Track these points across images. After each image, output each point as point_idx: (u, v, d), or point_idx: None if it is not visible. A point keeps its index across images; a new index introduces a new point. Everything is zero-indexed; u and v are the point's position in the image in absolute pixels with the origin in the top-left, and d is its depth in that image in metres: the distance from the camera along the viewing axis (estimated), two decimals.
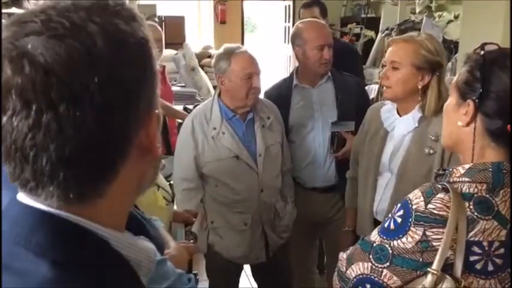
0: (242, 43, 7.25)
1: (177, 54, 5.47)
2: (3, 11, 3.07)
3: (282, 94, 2.76)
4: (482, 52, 1.21)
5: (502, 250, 1.16)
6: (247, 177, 2.40)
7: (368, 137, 2.18)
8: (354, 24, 6.97)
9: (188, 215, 1.96)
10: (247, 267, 2.81)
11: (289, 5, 7.68)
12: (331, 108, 2.66)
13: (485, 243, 1.15)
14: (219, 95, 2.46)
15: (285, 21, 7.88)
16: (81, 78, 0.55)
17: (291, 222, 2.61)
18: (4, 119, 0.55)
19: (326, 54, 2.60)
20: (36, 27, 0.56)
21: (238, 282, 2.70)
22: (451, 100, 1.30)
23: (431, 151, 1.91)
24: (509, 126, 1.15)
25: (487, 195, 1.17)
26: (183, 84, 5.42)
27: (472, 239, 1.15)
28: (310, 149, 2.70)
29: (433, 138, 1.91)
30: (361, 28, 6.77)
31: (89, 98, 0.56)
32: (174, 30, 7.14)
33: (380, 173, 2.09)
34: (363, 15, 6.95)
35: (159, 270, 1.18)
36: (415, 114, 1.97)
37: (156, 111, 0.68)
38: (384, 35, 6.05)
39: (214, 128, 2.38)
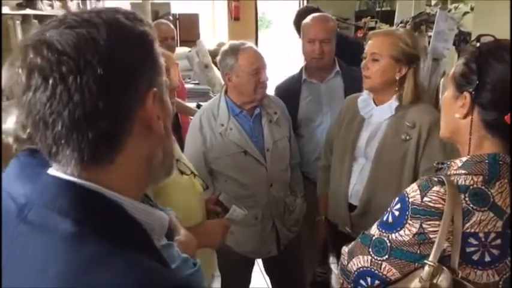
0: (256, 39, 7.26)
1: (190, 51, 5.49)
2: (18, 12, 3.13)
3: (291, 89, 2.78)
4: (477, 44, 1.20)
5: (498, 241, 1.16)
6: (255, 172, 2.42)
7: (344, 124, 2.25)
8: (369, 18, 6.89)
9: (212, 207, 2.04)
10: (259, 262, 2.83)
11: (303, 0, 7.64)
12: (340, 103, 2.65)
13: (481, 235, 1.15)
14: (226, 91, 2.48)
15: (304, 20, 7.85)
16: (86, 56, 0.69)
17: (301, 216, 2.62)
18: (30, 94, 0.70)
19: (316, 49, 2.63)
20: (54, 23, 0.73)
21: (250, 276, 2.72)
22: (448, 93, 1.30)
23: (408, 137, 2.00)
24: (507, 117, 1.14)
25: (483, 187, 1.17)
26: (197, 82, 5.44)
27: (468, 230, 1.15)
28: (319, 143, 2.70)
29: (409, 125, 2.00)
30: (376, 22, 6.70)
31: (91, 70, 0.69)
32: (188, 28, 7.18)
33: (355, 158, 2.17)
34: (378, 9, 6.89)
35: (165, 253, 1.22)
36: (392, 103, 2.07)
37: (154, 89, 0.77)
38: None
39: (222, 124, 2.40)
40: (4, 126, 1.23)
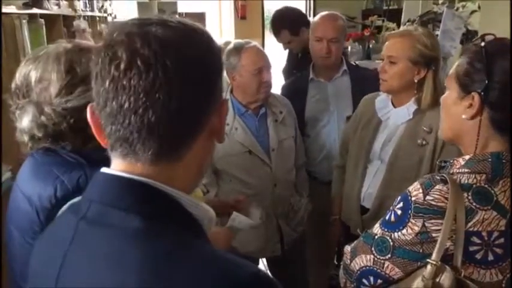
0: (263, 38, 7.26)
1: None
2: (25, 12, 3.14)
3: (298, 88, 2.78)
4: (482, 43, 1.19)
5: (502, 240, 1.15)
6: (260, 171, 2.41)
7: (360, 125, 2.21)
8: (376, 16, 6.87)
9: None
10: (263, 261, 2.83)
11: (309, 0, 7.64)
12: (347, 102, 2.67)
13: (484, 234, 1.14)
14: (231, 91, 2.48)
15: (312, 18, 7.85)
16: (187, 53, 0.74)
17: (306, 216, 2.62)
18: (124, 80, 0.71)
19: (324, 48, 2.62)
20: (154, 21, 0.76)
21: None
22: (451, 93, 1.28)
23: (424, 142, 1.95)
24: None
25: (486, 186, 1.16)
26: None
27: (471, 229, 1.14)
28: (325, 143, 2.70)
29: (426, 130, 1.94)
30: (383, 20, 6.67)
31: (190, 69, 0.73)
32: None
33: (370, 160, 2.13)
34: (385, 7, 6.87)
35: None
36: (410, 106, 2.01)
37: (226, 98, 0.85)
38: (405, 27, 5.97)
39: (227, 124, 2.39)
40: (20, 125, 1.24)
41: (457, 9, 5.48)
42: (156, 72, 0.71)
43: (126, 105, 0.72)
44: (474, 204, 1.15)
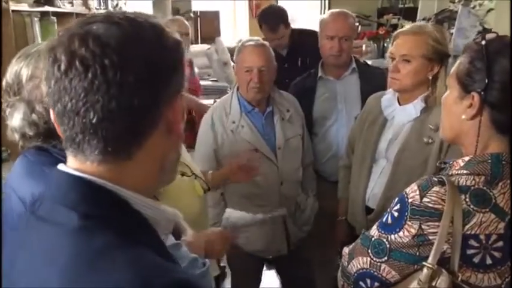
0: None
1: (209, 49, 5.49)
2: (37, 9, 3.16)
3: (307, 86, 2.76)
4: (483, 42, 1.16)
5: (500, 243, 1.12)
6: (266, 170, 2.39)
7: (366, 125, 2.18)
8: (391, 15, 6.81)
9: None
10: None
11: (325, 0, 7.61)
12: (356, 101, 2.64)
13: (482, 237, 1.11)
14: (238, 88, 2.46)
15: (321, 14, 7.81)
16: (129, 52, 0.72)
17: (313, 215, 2.60)
18: (66, 81, 0.71)
19: (335, 46, 2.59)
20: (99, 18, 0.75)
21: (261, 275, 2.70)
22: (452, 92, 1.25)
23: (430, 140, 1.91)
24: None
25: (484, 188, 1.13)
26: (216, 79, 5.45)
27: (468, 232, 1.12)
28: (333, 141, 2.68)
29: (432, 128, 1.90)
30: (399, 19, 6.61)
31: (132, 67, 0.72)
32: (209, 25, 7.20)
33: (375, 160, 2.10)
34: (401, 6, 6.79)
35: (173, 253, 1.21)
36: (417, 104, 1.97)
37: (182, 93, 0.82)
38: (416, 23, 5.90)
39: (234, 122, 2.38)
40: (11, 123, 1.24)
41: (474, 7, 5.40)
42: (94, 72, 0.70)
43: (69, 106, 0.72)
44: (472, 206, 1.12)
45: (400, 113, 2.04)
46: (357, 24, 6.73)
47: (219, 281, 3.38)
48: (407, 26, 2.12)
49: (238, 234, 1.95)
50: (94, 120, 0.72)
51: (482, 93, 1.15)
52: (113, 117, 0.72)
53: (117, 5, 5.65)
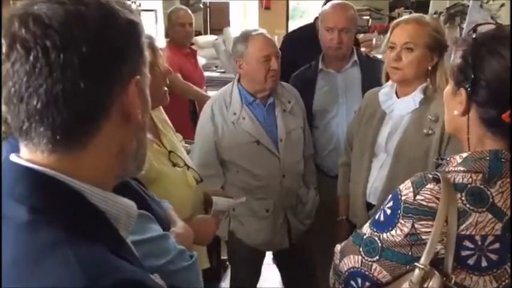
0: (287, 29, 7.19)
1: (217, 39, 5.46)
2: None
3: (307, 78, 2.71)
4: (474, 35, 1.11)
5: (496, 245, 1.07)
6: (268, 162, 2.36)
7: (364, 120, 2.14)
8: (403, 8, 6.73)
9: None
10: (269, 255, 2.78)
11: None
12: (356, 94, 2.59)
13: (477, 238, 1.07)
14: (239, 79, 2.42)
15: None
16: (72, 32, 0.67)
17: (314, 209, 2.56)
18: (8, 65, 0.67)
19: (335, 38, 2.54)
20: None
21: (261, 269, 2.67)
22: (449, 87, 1.21)
23: (430, 132, 1.88)
24: (505, 116, 1.05)
25: (482, 186, 1.08)
26: (223, 70, 5.42)
27: (463, 232, 1.07)
28: (334, 135, 2.64)
29: (432, 119, 1.88)
30: (410, 12, 6.51)
31: (76, 47, 0.67)
32: (219, 16, 7.17)
33: (375, 154, 2.06)
34: None
35: (159, 245, 1.19)
36: (416, 96, 1.94)
37: (138, 77, 0.76)
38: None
39: (234, 113, 2.34)
40: None
41: (487, 1, 5.31)
42: (35, 55, 0.66)
43: (12, 92, 0.68)
44: (467, 205, 1.07)
45: (399, 106, 2.01)
46: (368, 17, 6.69)
47: (220, 274, 3.37)
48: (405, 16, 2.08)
49: (221, 218, 1.94)
50: (38, 106, 0.67)
51: (468, 89, 1.10)
52: (58, 102, 0.67)
53: None
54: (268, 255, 2.80)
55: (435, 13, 5.95)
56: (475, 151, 1.13)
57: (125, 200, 0.78)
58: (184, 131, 3.18)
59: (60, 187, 0.70)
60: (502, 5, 5.21)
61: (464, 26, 4.50)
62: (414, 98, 1.95)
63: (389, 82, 2.08)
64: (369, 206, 2.06)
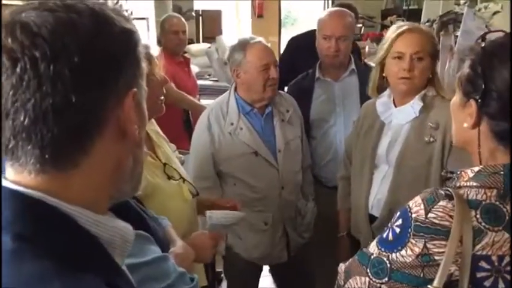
0: (279, 37, 7.18)
1: (210, 48, 5.41)
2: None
3: (304, 87, 2.68)
4: (483, 43, 1.06)
5: None
6: (267, 174, 2.31)
7: (362, 132, 2.11)
8: (395, 16, 6.73)
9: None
10: (266, 268, 2.72)
11: (327, 0, 7.54)
12: (354, 103, 2.55)
13: (494, 258, 1.01)
14: (236, 88, 2.37)
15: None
16: (63, 41, 0.62)
17: (313, 221, 2.51)
18: None
19: (332, 46, 2.50)
20: (33, 5, 0.65)
21: (258, 283, 2.61)
22: (456, 98, 1.16)
23: (432, 139, 1.86)
24: None
25: (497, 203, 1.03)
26: (216, 79, 5.37)
27: (479, 252, 1.01)
28: (331, 145, 2.60)
29: (433, 126, 1.86)
30: (403, 20, 6.52)
31: (67, 58, 0.62)
32: (211, 24, 7.14)
33: (376, 165, 2.03)
34: (405, 7, 6.71)
35: (159, 268, 1.13)
36: (415, 104, 1.92)
37: (135, 89, 0.71)
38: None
39: (232, 123, 2.29)
40: None
41: (479, 9, 5.32)
42: (23, 66, 0.60)
43: None
44: (483, 224, 1.02)
45: (398, 115, 1.98)
46: (360, 25, 6.68)
47: (215, 286, 3.31)
48: (399, 23, 2.05)
49: (223, 234, 1.86)
50: (26, 122, 0.61)
51: (479, 101, 1.06)
52: (47, 117, 0.62)
53: (117, 2, 5.58)
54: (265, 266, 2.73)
55: (428, 21, 5.95)
56: (487, 165, 1.07)
57: (120, 222, 0.73)
58: (177, 141, 3.12)
59: (48, 211, 0.64)
60: (495, 12, 5.23)
61: (458, 33, 4.49)
62: (413, 106, 1.92)
63: (387, 92, 2.04)
64: (372, 219, 2.01)
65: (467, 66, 1.11)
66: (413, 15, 6.52)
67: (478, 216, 1.02)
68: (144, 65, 0.75)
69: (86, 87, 0.64)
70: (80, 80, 0.63)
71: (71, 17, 0.64)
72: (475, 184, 1.06)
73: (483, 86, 1.04)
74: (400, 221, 1.10)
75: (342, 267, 1.24)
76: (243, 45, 2.28)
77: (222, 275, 2.93)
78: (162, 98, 1.70)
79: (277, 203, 2.34)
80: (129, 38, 0.71)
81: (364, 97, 2.40)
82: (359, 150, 2.11)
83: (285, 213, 2.38)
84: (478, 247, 1.01)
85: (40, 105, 0.61)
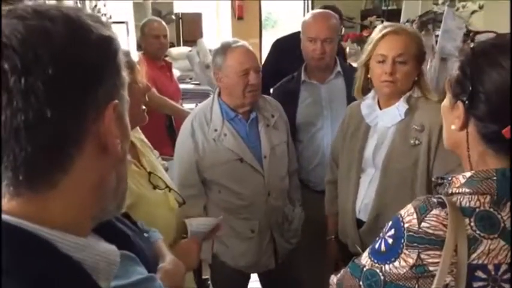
0: (260, 38, 7.18)
1: (191, 51, 5.38)
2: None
3: (289, 90, 2.65)
4: (472, 44, 1.05)
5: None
6: (252, 180, 2.27)
7: (348, 134, 2.09)
8: (375, 17, 6.78)
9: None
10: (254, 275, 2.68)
11: (307, 0, 7.55)
12: (341, 106, 2.52)
13: (490, 267, 0.99)
14: (219, 94, 2.33)
15: (304, 16, 7.75)
16: (35, 51, 0.57)
17: (300, 226, 2.48)
18: None
19: (318, 48, 2.49)
20: (3, 13, 0.60)
21: None
22: (446, 100, 1.14)
23: (417, 142, 1.84)
24: (505, 131, 0.98)
25: (491, 210, 1.00)
26: (198, 82, 5.33)
27: (474, 262, 0.99)
28: (319, 149, 2.58)
29: (418, 128, 1.84)
30: (382, 21, 6.56)
31: (41, 69, 0.57)
32: (191, 27, 7.12)
33: (363, 169, 2.01)
34: (384, 8, 6.75)
35: None
36: (400, 106, 1.90)
37: (116, 101, 0.67)
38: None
39: (216, 130, 2.25)
40: None
41: (457, 9, 5.36)
42: None
43: None
44: (478, 232, 1.00)
45: (383, 118, 1.96)
46: (341, 26, 6.71)
47: None
48: (384, 24, 2.02)
49: (205, 240, 1.82)
50: None
51: (466, 102, 1.04)
52: (19, 135, 0.57)
53: (95, 6, 5.50)
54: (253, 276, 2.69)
55: (407, 21, 5.99)
56: (479, 170, 1.05)
57: (104, 245, 0.69)
58: (160, 147, 3.07)
59: (26, 238, 0.59)
60: (473, 12, 5.27)
61: (438, 33, 4.53)
62: (399, 109, 1.90)
63: (371, 94, 2.02)
64: (359, 223, 1.99)
65: (456, 67, 1.09)
66: (393, 16, 6.57)
67: (472, 224, 1.00)
68: (125, 73, 0.71)
69: (62, 100, 0.60)
70: (55, 93, 0.59)
71: (44, 25, 0.60)
72: (467, 190, 1.04)
73: (470, 88, 1.03)
74: (392, 231, 1.07)
75: (333, 279, 1.22)
76: (224, 49, 2.23)
77: (209, 282, 2.88)
78: (144, 107, 1.66)
79: (263, 210, 2.30)
80: (107, 45, 0.67)
81: (351, 99, 2.37)
82: (345, 154, 2.09)
83: (271, 220, 2.34)
84: (473, 256, 0.99)
85: (11, 122, 0.57)
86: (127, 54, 1.62)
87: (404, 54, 1.84)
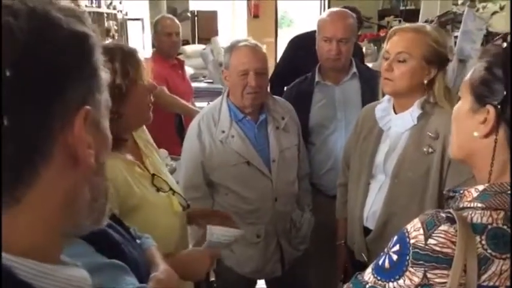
0: (276, 37, 7.14)
1: (204, 49, 5.34)
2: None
3: (302, 91, 2.58)
4: (505, 44, 0.98)
5: None
6: (259, 184, 2.21)
7: (361, 137, 2.02)
8: (392, 17, 6.71)
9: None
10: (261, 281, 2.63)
11: (324, 0, 7.50)
12: (356, 108, 2.45)
13: None
14: (228, 94, 2.27)
15: (320, 15, 7.69)
16: None
17: (309, 233, 2.41)
18: None
19: (333, 49, 2.41)
20: None
21: None
22: (464, 104, 1.07)
23: (430, 150, 1.76)
24: None
25: (504, 227, 0.94)
26: (211, 80, 5.30)
27: (485, 283, 0.92)
28: (332, 152, 2.50)
29: (432, 135, 1.76)
30: (400, 21, 6.49)
31: None
32: (207, 25, 7.10)
33: (373, 175, 1.93)
34: (402, 8, 6.67)
35: None
36: (413, 111, 1.82)
37: (87, 107, 0.59)
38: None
39: (223, 131, 2.19)
40: None
41: (477, 10, 5.26)
42: None
43: None
44: (489, 251, 0.93)
45: (397, 122, 1.88)
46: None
47: None
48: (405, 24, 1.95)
49: (220, 253, 1.76)
50: None
51: (499, 106, 0.97)
52: None
53: (111, 3, 5.51)
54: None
55: (426, 21, 5.89)
56: (493, 183, 0.99)
57: (73, 271, 0.61)
58: (170, 146, 3.05)
59: None
60: (494, 13, 5.16)
61: (456, 34, 4.43)
62: (412, 114, 1.82)
63: (386, 97, 1.96)
64: (367, 231, 1.93)
65: (482, 68, 1.02)
66: (411, 16, 6.49)
67: (483, 242, 0.94)
68: (103, 74, 0.65)
69: (23, 107, 0.53)
70: (14, 98, 0.52)
71: (6, 21, 0.53)
72: (479, 205, 0.97)
73: (504, 91, 0.96)
74: (397, 247, 1.01)
75: None
76: (231, 48, 2.18)
77: (215, 285, 2.84)
78: (150, 105, 1.62)
79: (270, 215, 2.24)
80: (80, 43, 0.60)
81: (366, 102, 2.31)
82: (357, 157, 2.02)
83: (278, 226, 2.28)
84: (484, 277, 0.93)
85: None
86: (133, 52, 1.58)
87: (405, 52, 1.77)
